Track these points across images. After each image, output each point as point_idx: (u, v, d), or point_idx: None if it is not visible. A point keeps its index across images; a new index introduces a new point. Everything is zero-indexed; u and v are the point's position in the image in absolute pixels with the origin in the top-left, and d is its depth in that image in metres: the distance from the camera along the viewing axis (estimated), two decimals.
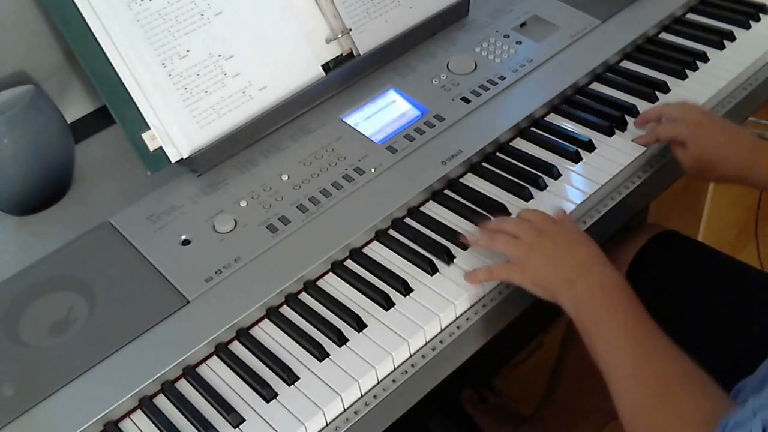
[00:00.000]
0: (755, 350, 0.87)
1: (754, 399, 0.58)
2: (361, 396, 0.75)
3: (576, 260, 0.79)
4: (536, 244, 0.80)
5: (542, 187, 0.92)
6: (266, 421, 0.72)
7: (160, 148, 0.91)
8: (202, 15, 0.93)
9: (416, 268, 0.85)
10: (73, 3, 0.85)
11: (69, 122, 0.95)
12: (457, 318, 0.81)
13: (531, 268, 0.79)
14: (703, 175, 0.92)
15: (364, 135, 0.98)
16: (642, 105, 1.02)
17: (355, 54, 1.05)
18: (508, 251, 0.81)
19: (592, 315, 0.75)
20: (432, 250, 0.86)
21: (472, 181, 0.95)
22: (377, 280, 0.84)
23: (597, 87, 1.07)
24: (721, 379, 0.86)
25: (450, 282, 0.83)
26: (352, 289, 0.84)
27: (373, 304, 0.82)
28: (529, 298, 0.83)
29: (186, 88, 0.92)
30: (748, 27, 1.13)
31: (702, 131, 0.91)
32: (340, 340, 0.78)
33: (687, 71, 1.06)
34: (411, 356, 0.78)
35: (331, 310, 0.82)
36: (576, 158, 0.95)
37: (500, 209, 0.89)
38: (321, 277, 0.85)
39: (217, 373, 0.77)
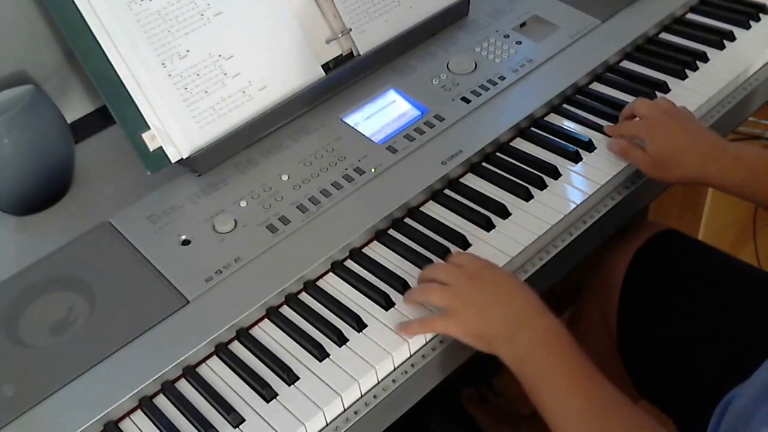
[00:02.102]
0: (754, 350, 0.87)
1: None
2: (361, 396, 0.76)
3: (513, 312, 0.76)
4: (468, 292, 0.77)
5: (542, 187, 0.92)
6: (266, 421, 0.72)
7: (160, 148, 0.91)
8: (202, 15, 0.93)
9: (416, 268, 0.84)
10: (73, 3, 0.85)
11: (69, 122, 0.95)
12: None
13: (465, 319, 0.76)
14: (662, 175, 0.91)
15: (364, 135, 0.98)
16: None
17: (355, 54, 1.05)
18: (442, 302, 0.78)
19: (536, 372, 0.73)
20: (432, 250, 0.86)
21: (472, 181, 0.95)
22: (377, 280, 0.84)
23: (597, 87, 1.07)
24: (719, 378, 0.87)
25: None
26: (352, 289, 0.84)
27: (373, 304, 0.82)
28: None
29: (186, 88, 0.92)
30: (748, 27, 1.13)
31: (658, 130, 0.91)
32: (340, 340, 0.78)
33: (687, 71, 1.06)
34: (411, 356, 0.78)
35: (331, 310, 0.82)
36: (576, 158, 0.95)
37: (500, 210, 0.89)
38: (321, 277, 0.85)
39: (217, 373, 0.77)
